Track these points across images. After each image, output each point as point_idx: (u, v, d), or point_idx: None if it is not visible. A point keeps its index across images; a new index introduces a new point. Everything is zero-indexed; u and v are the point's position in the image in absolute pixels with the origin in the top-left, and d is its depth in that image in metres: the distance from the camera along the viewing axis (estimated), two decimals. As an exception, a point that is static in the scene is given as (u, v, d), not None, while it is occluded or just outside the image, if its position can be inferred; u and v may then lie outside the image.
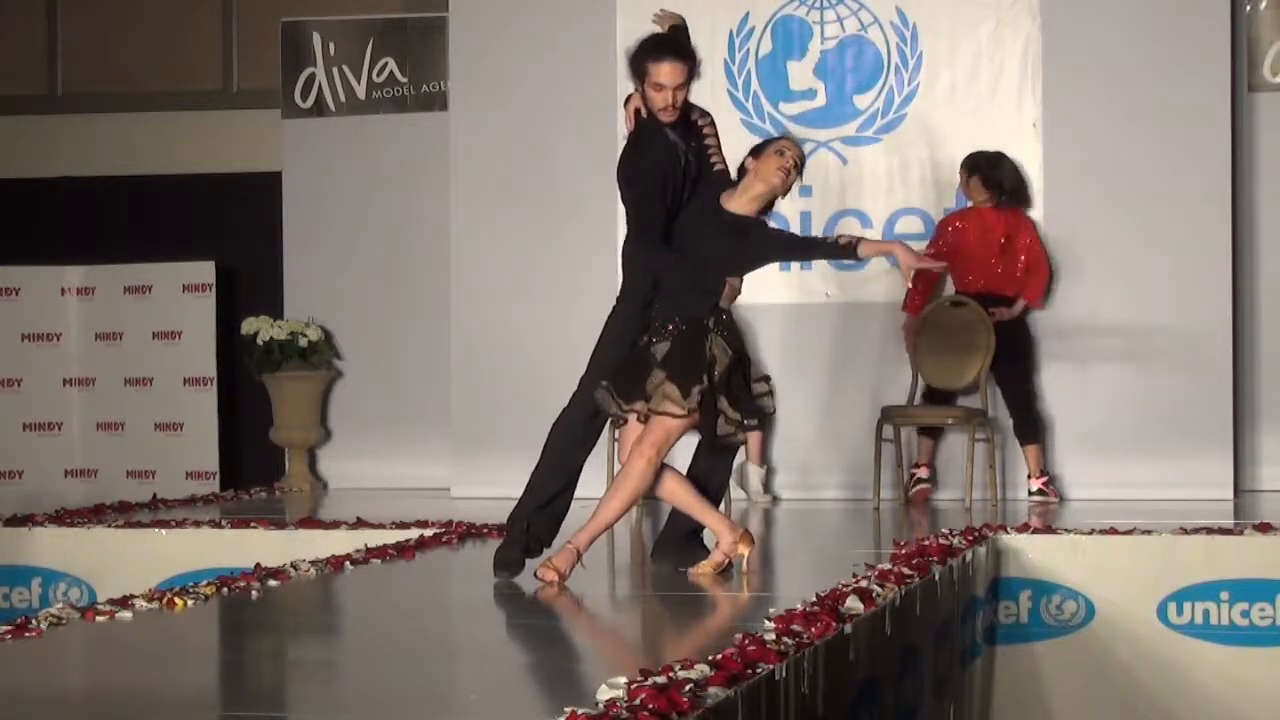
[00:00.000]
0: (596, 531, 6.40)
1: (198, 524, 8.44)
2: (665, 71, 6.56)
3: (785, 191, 6.55)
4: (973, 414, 9.36)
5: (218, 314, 11.49)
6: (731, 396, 6.34)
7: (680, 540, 6.82)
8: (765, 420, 6.80)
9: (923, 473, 9.62)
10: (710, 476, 6.71)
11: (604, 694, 4.00)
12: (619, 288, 6.79)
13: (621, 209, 6.90)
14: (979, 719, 7.50)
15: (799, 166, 6.53)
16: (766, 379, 6.52)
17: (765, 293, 9.90)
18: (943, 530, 7.58)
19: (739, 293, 6.49)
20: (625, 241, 6.76)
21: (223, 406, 11.53)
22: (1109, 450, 9.52)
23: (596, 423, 6.73)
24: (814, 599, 5.34)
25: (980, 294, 9.53)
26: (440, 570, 7.08)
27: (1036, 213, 9.75)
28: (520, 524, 6.65)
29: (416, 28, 11.26)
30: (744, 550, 6.46)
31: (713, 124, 6.82)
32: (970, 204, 9.64)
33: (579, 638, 5.78)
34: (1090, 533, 7.72)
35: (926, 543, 6.96)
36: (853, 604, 5.29)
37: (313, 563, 6.74)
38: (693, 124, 6.75)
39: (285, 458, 11.28)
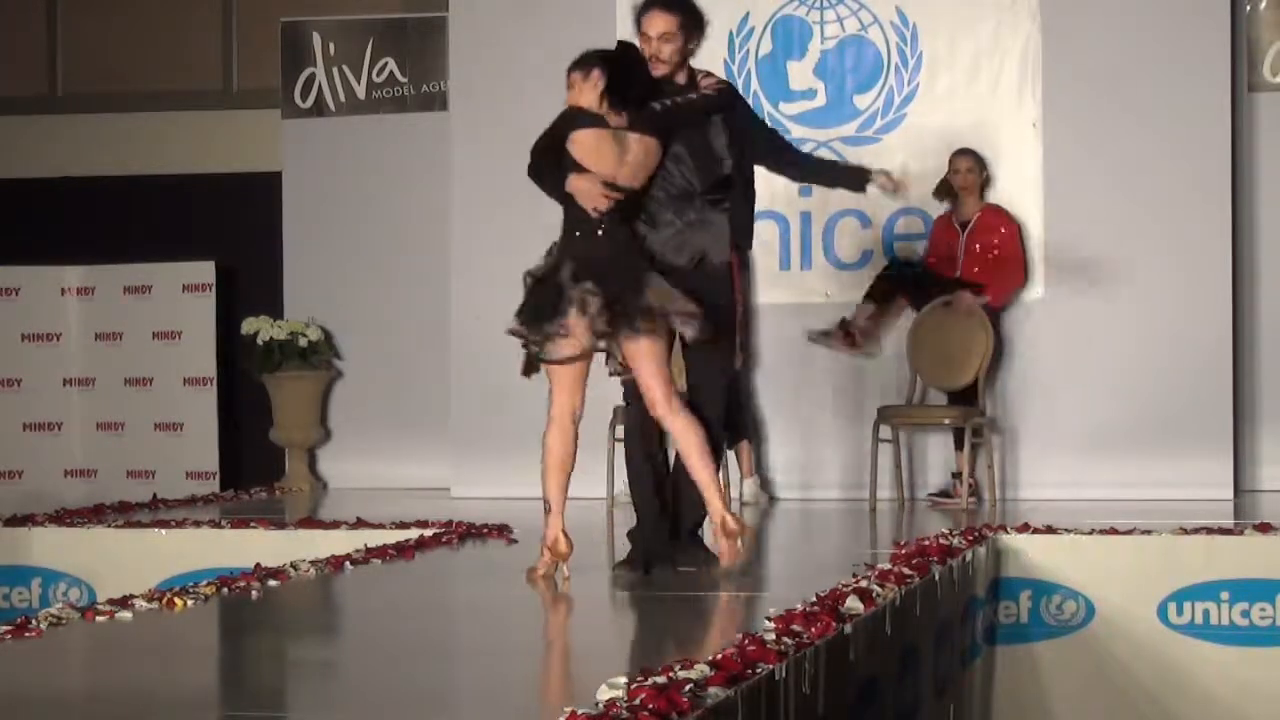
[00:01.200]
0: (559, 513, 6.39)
1: (198, 524, 8.44)
2: (649, 22, 6.59)
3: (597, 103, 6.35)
4: (970, 414, 9.35)
5: (218, 314, 11.50)
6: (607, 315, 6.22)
7: (679, 540, 6.81)
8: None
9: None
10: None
11: (604, 694, 4.00)
12: None
13: None
14: (979, 719, 7.50)
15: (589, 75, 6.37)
16: (691, 298, 6.30)
17: (765, 293, 9.92)
18: (943, 530, 7.58)
19: (588, 192, 6.32)
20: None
21: (223, 406, 11.54)
22: (1109, 450, 9.52)
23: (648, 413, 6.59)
24: (814, 599, 5.33)
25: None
26: (440, 570, 7.08)
27: (1036, 213, 9.75)
28: (636, 545, 6.70)
29: (416, 28, 11.26)
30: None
31: (729, 90, 6.79)
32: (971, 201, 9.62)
33: (579, 638, 5.78)
34: (1090, 533, 7.71)
35: (926, 543, 6.96)
36: (853, 604, 5.28)
37: (313, 563, 6.74)
38: (697, 86, 6.73)
39: (285, 458, 11.28)
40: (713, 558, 6.55)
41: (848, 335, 9.44)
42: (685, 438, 6.39)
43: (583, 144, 6.33)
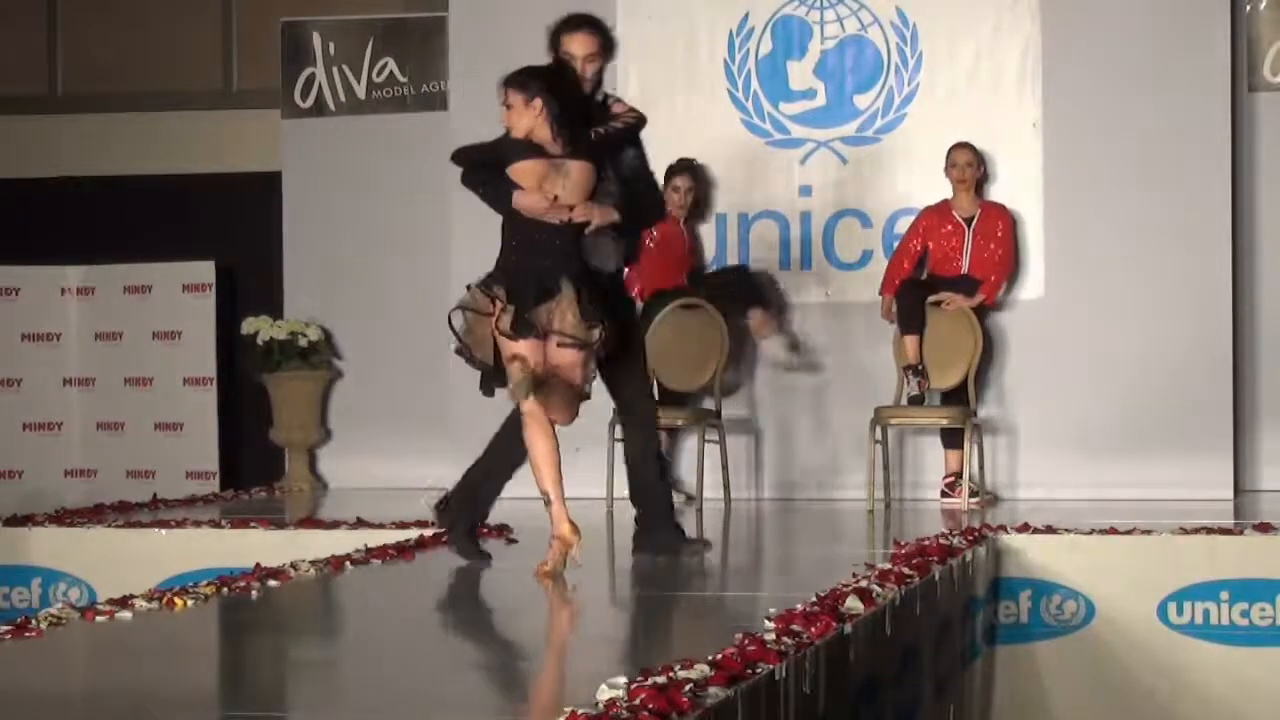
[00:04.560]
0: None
1: (198, 524, 8.44)
2: (578, 41, 6.83)
3: (546, 131, 6.55)
4: (967, 414, 9.35)
5: (218, 314, 11.50)
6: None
7: (659, 526, 6.86)
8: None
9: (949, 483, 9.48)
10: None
11: (604, 694, 4.00)
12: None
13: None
14: (979, 719, 7.50)
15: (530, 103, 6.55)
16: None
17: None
18: (943, 530, 7.58)
19: (535, 208, 6.55)
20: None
21: (223, 406, 11.54)
22: (1109, 450, 9.52)
23: None
24: (814, 599, 5.34)
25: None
26: (440, 570, 7.08)
27: (1036, 213, 9.75)
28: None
29: (416, 28, 11.26)
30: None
31: (632, 120, 6.94)
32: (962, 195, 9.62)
33: (579, 638, 5.78)
34: (1090, 533, 7.72)
35: (926, 543, 6.96)
36: (853, 604, 5.29)
37: (313, 563, 6.74)
38: (604, 105, 6.94)
39: (285, 458, 11.28)
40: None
41: (922, 377, 9.41)
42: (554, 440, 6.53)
43: (524, 173, 6.57)
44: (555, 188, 6.55)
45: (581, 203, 6.58)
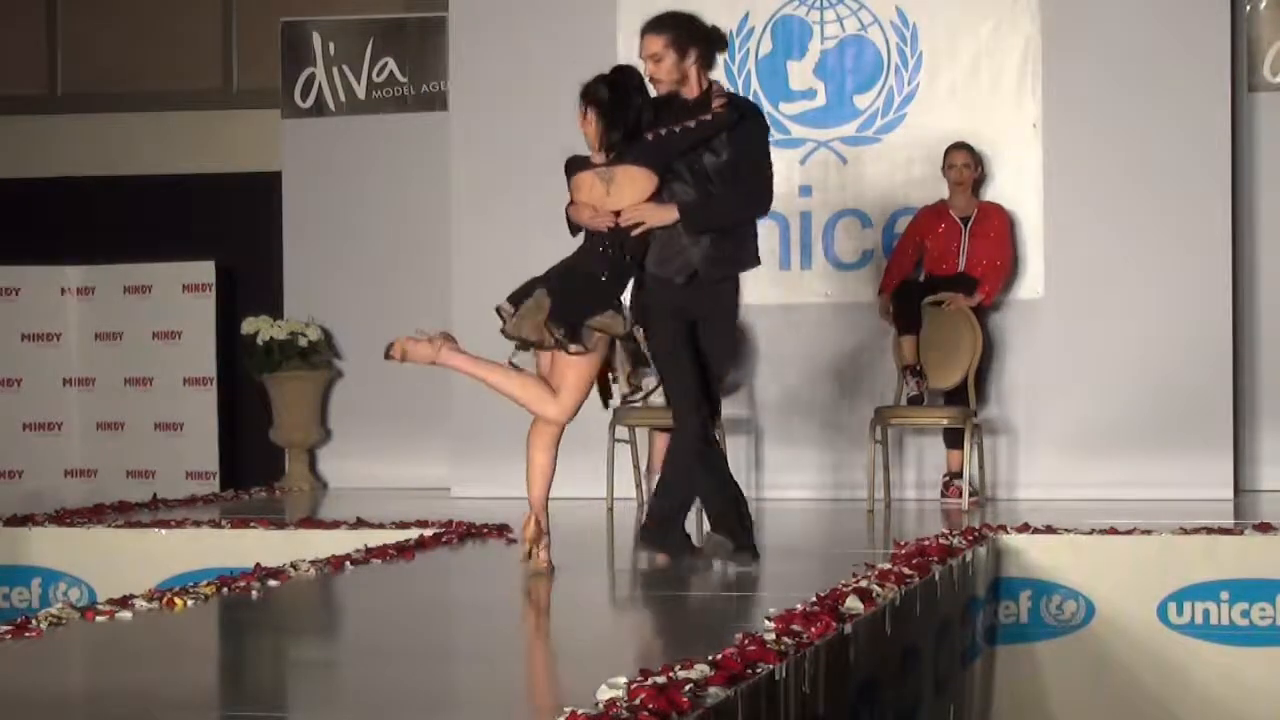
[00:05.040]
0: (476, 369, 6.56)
1: (198, 524, 8.44)
2: (641, 45, 6.75)
3: (595, 140, 6.57)
4: (968, 414, 9.35)
5: (218, 314, 11.50)
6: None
7: (665, 529, 6.84)
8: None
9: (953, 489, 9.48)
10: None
11: (604, 694, 4.00)
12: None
13: None
14: (979, 719, 7.50)
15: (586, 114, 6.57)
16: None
17: (764, 292, 9.92)
18: (943, 530, 7.57)
19: (579, 218, 6.64)
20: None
21: (223, 406, 11.54)
22: (1109, 450, 9.52)
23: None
24: (814, 599, 5.34)
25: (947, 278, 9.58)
26: (440, 570, 7.08)
27: (1036, 213, 9.75)
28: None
29: (416, 28, 11.27)
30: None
31: (708, 119, 6.72)
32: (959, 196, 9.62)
33: (579, 638, 5.78)
34: (1090, 533, 7.71)
35: (926, 543, 6.96)
36: (853, 604, 5.29)
37: (313, 563, 6.74)
38: (705, 98, 6.75)
39: (285, 458, 11.28)
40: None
41: (920, 378, 9.38)
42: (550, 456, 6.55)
43: (576, 187, 6.67)
44: (596, 196, 6.58)
45: (630, 206, 6.56)
